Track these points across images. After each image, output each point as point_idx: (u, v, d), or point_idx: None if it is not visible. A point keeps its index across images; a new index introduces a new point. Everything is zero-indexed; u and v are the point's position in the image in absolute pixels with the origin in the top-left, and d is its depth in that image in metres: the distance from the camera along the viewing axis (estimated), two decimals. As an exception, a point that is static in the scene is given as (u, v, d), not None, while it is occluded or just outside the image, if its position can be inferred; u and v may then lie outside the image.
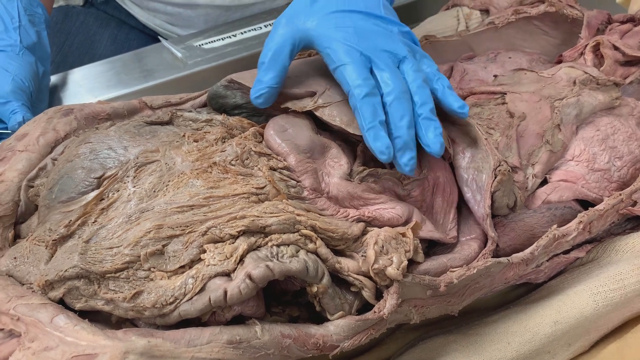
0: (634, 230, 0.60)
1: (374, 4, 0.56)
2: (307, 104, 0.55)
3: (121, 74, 0.82)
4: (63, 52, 0.96)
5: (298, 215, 0.48)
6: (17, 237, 0.53)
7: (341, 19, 0.54)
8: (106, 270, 0.45)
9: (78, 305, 0.45)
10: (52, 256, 0.47)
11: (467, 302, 0.52)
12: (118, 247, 0.46)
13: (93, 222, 0.48)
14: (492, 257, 0.53)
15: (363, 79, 0.51)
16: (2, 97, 0.71)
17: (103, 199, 0.50)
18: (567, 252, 0.58)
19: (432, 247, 0.56)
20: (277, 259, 0.46)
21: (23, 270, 0.47)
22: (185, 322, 0.45)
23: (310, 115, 0.58)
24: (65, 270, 0.45)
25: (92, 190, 0.50)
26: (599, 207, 0.56)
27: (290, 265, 0.45)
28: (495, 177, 0.54)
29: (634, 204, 0.57)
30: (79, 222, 0.48)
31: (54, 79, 0.82)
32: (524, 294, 0.58)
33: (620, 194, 0.56)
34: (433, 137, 0.51)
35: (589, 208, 0.56)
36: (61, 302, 0.46)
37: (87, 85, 0.81)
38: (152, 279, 0.45)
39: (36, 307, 0.44)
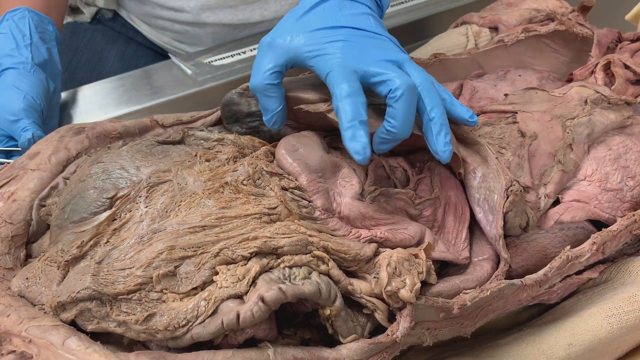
0: (647, 250, 0.60)
1: (363, 20, 0.55)
2: (321, 107, 0.55)
3: (131, 90, 0.82)
4: (71, 69, 0.96)
5: (310, 236, 0.48)
6: (28, 256, 0.53)
7: (329, 34, 0.53)
8: (118, 291, 0.45)
9: (90, 327, 0.45)
10: (64, 277, 0.47)
11: (480, 324, 0.52)
12: (130, 268, 0.46)
13: (105, 243, 0.48)
14: (504, 278, 0.52)
15: (347, 80, 0.50)
16: (13, 114, 0.71)
17: (115, 219, 0.50)
18: (579, 272, 0.58)
19: (444, 268, 0.56)
20: (290, 281, 0.46)
21: (35, 291, 0.47)
22: (198, 345, 0.45)
23: (321, 134, 0.58)
24: (78, 292, 0.45)
25: (105, 210, 0.50)
26: (613, 228, 0.55)
27: (303, 288, 0.45)
28: (508, 197, 0.53)
29: (647, 224, 0.57)
30: (91, 242, 0.48)
31: (63, 95, 0.83)
32: (536, 314, 0.58)
33: (633, 215, 0.56)
34: (443, 143, 0.51)
35: (602, 228, 0.56)
36: (73, 323, 0.46)
37: (97, 102, 0.81)
38: (164, 301, 0.45)
39: (48, 329, 0.44)
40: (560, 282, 0.56)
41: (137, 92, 0.82)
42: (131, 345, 0.46)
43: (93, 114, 0.78)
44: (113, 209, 0.50)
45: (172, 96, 0.82)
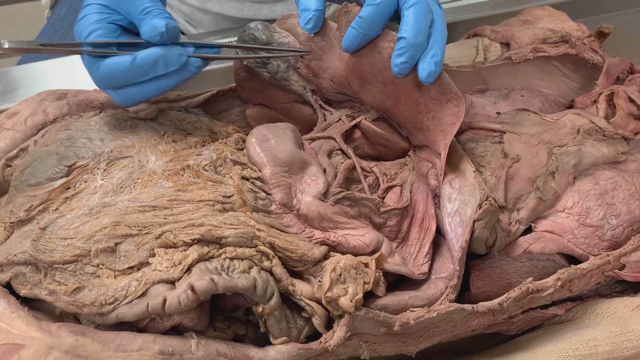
0: (622, 293, 0.57)
1: None
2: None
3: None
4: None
5: (258, 230, 0.47)
6: (-14, 213, 0.53)
7: None
8: (54, 260, 0.45)
9: (23, 292, 0.45)
10: (8, 238, 0.47)
11: (425, 345, 0.50)
12: (72, 238, 0.46)
13: (54, 210, 0.48)
14: (456, 294, 0.50)
15: None
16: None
17: (69, 188, 0.49)
18: (545, 307, 0.55)
19: (401, 281, 0.54)
20: (227, 273, 0.44)
21: (-22, 248, 0.47)
22: (127, 326, 0.44)
23: (296, 129, 0.57)
24: (15, 255, 0.45)
25: (61, 177, 0.50)
26: (582, 265, 0.53)
27: (236, 282, 0.44)
28: (481, 207, 0.51)
29: (622, 267, 0.54)
30: (40, 207, 0.48)
31: (63, 62, 0.83)
32: (492, 345, 0.56)
33: (608, 255, 0.53)
34: (426, 61, 0.51)
35: (571, 265, 0.53)
36: (9, 285, 0.46)
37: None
38: (98, 276, 0.45)
39: (-20, 287, 0.44)
40: (522, 314, 0.54)
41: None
42: (62, 316, 0.45)
43: (83, 85, 0.78)
44: (69, 177, 0.50)
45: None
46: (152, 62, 0.49)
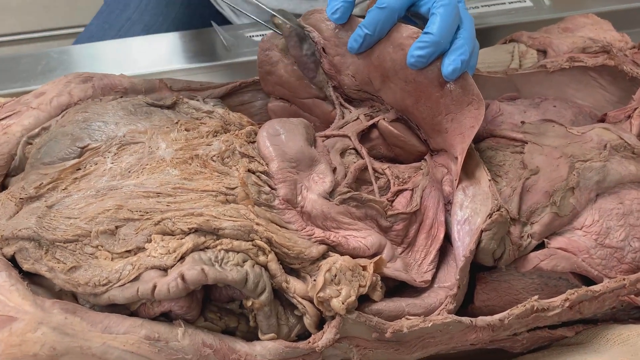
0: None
1: None
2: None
3: (166, 50, 0.83)
4: (140, 8, 0.97)
5: (257, 224, 0.47)
6: (4, 188, 0.55)
7: None
8: (56, 238, 0.46)
9: (25, 266, 0.46)
10: (17, 213, 0.49)
11: (419, 356, 0.48)
12: (76, 218, 0.47)
13: (63, 189, 0.49)
14: (456, 305, 0.49)
15: None
16: None
17: (80, 169, 0.50)
18: (555, 327, 0.53)
19: (403, 287, 0.53)
20: (220, 265, 0.44)
21: (-9, 220, 0.49)
22: (121, 308, 0.45)
23: (311, 125, 0.56)
24: (19, 230, 0.46)
25: (73, 158, 0.51)
26: (595, 287, 0.50)
27: (227, 274, 0.44)
28: (490, 217, 0.50)
29: (639, 293, 0.51)
30: (49, 186, 0.49)
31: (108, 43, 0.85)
32: (495, 360, 0.54)
33: (624, 279, 0.50)
34: (452, 59, 0.51)
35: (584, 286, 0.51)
36: (14, 259, 0.47)
37: (131, 57, 0.83)
38: (96, 257, 0.45)
39: (-16, 258, 0.45)
40: (527, 332, 0.52)
41: (170, 54, 0.83)
42: (61, 293, 0.46)
43: (112, 69, 0.80)
44: (80, 159, 0.51)
45: (203, 64, 0.82)
46: None
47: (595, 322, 0.54)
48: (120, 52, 0.85)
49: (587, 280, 0.53)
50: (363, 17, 0.56)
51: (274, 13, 0.59)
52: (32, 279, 0.47)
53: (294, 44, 0.58)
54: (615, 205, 0.54)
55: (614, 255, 0.53)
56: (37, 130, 0.57)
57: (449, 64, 0.52)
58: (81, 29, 1.03)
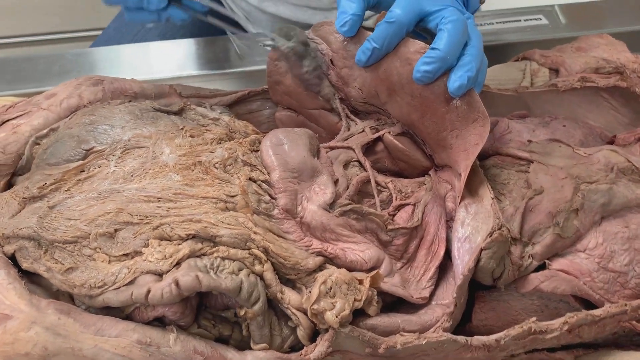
0: (641, 347, 0.53)
1: None
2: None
3: (179, 57, 0.84)
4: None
5: (254, 233, 0.47)
6: (11, 187, 0.56)
7: None
8: (56, 238, 0.46)
9: (24, 265, 0.47)
10: (19, 212, 0.49)
11: (413, 373, 0.48)
12: (76, 220, 0.47)
13: (65, 191, 0.49)
14: (452, 323, 0.48)
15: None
16: None
17: (83, 171, 0.51)
18: (553, 350, 0.52)
19: (401, 303, 0.52)
20: (215, 272, 0.45)
21: (-5, 218, 0.50)
22: (116, 311, 0.45)
23: (315, 136, 0.56)
24: (20, 229, 0.46)
25: (78, 160, 0.52)
26: (595, 312, 0.49)
27: (221, 282, 0.44)
28: (491, 236, 0.49)
29: (641, 319, 0.50)
30: (52, 187, 0.49)
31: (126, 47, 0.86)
32: (491, 381, 0.53)
33: (625, 304, 0.50)
34: (458, 75, 0.51)
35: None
36: (15, 258, 0.48)
37: (146, 62, 0.84)
38: (94, 259, 0.46)
39: (-16, 256, 0.46)
40: (525, 354, 0.51)
41: (184, 60, 0.84)
42: (58, 293, 0.47)
43: (128, 72, 0.81)
44: (85, 161, 0.51)
45: (217, 71, 0.83)
46: None
47: (596, 347, 0.53)
48: (136, 57, 0.86)
49: (589, 304, 0.53)
50: (372, 30, 0.56)
51: (272, 36, 0.60)
52: (31, 277, 0.47)
53: (293, 63, 0.59)
54: (620, 228, 0.53)
55: (617, 280, 0.52)
56: (45, 131, 0.57)
57: (455, 80, 0.52)
58: (100, 32, 1.05)
